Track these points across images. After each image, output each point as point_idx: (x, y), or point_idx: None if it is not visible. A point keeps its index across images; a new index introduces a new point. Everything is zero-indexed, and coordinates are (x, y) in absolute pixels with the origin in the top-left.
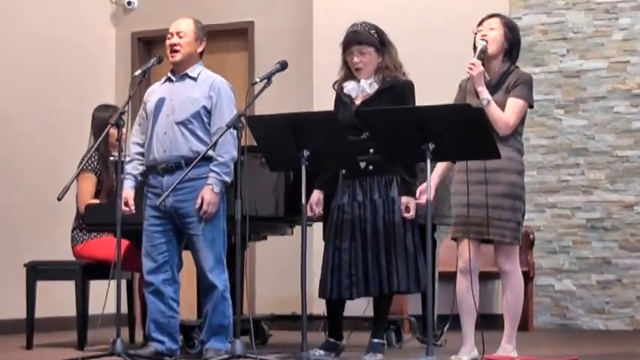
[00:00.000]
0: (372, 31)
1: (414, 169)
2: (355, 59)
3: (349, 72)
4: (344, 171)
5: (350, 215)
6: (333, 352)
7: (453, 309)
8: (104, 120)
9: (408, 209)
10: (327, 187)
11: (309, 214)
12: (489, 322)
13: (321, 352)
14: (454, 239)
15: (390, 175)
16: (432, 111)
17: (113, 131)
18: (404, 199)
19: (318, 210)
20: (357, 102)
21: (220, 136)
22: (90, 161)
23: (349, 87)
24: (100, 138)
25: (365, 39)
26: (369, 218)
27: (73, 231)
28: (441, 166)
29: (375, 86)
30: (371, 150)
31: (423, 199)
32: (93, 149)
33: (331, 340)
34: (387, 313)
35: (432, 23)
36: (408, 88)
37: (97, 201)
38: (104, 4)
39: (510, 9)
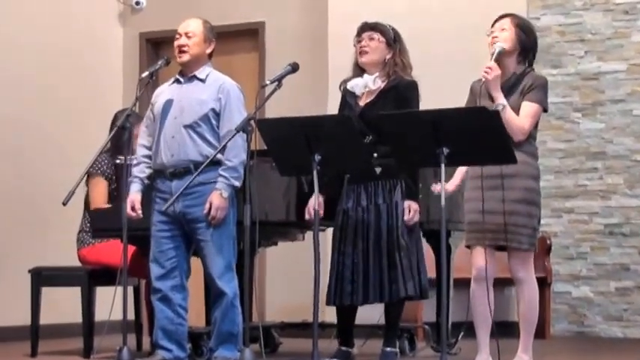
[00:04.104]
0: (388, 26)
1: (417, 175)
2: (363, 42)
3: (357, 69)
4: (348, 175)
5: (354, 220)
6: None
7: (468, 316)
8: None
9: (409, 212)
10: (329, 190)
11: (306, 217)
12: (505, 329)
13: None
14: (468, 247)
15: (395, 180)
16: (447, 114)
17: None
18: (406, 202)
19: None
20: (361, 103)
21: (229, 140)
22: (100, 165)
23: (352, 83)
24: (106, 140)
25: (378, 27)
26: (372, 223)
27: (79, 233)
28: (461, 169)
29: (379, 82)
30: (375, 154)
31: (437, 188)
32: (101, 152)
33: (343, 348)
34: (399, 320)
35: (448, 24)
36: (412, 87)
37: (109, 206)
38: (112, 4)
39: (528, 9)
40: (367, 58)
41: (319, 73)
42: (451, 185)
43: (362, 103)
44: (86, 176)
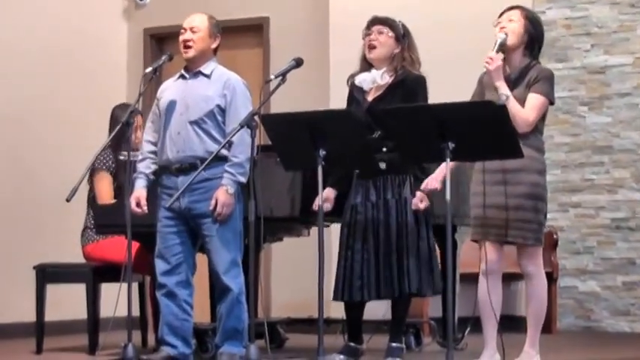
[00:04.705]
0: (397, 21)
1: (426, 167)
2: (372, 36)
3: (365, 63)
4: (357, 170)
5: (363, 216)
6: (353, 357)
7: (475, 312)
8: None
9: (422, 203)
10: (341, 185)
11: (314, 208)
12: (512, 324)
13: (342, 356)
14: (475, 241)
15: (404, 175)
16: (452, 108)
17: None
18: (418, 194)
19: (325, 206)
20: (369, 98)
21: (233, 135)
22: (104, 160)
23: (361, 78)
24: (110, 136)
25: (388, 21)
26: (382, 219)
27: (84, 230)
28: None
29: (387, 77)
30: (384, 149)
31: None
32: (103, 148)
33: (351, 344)
34: (406, 316)
35: (453, 18)
36: (420, 82)
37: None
38: (116, 0)
39: (534, 3)
40: (375, 53)
41: (324, 68)
42: (436, 182)
43: (370, 98)
44: (89, 172)
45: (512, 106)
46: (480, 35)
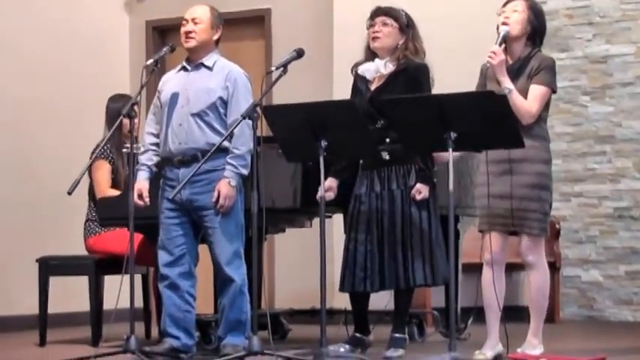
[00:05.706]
0: (402, 12)
1: (431, 157)
2: (376, 27)
3: (369, 53)
4: (362, 161)
5: (367, 206)
6: (358, 347)
7: (477, 302)
8: (118, 110)
9: (419, 194)
10: (343, 174)
11: (317, 199)
12: (515, 314)
13: (347, 346)
14: (481, 231)
15: (409, 165)
16: (454, 98)
17: (126, 122)
18: (418, 185)
19: (328, 195)
20: (372, 87)
21: (235, 127)
22: (102, 150)
23: (364, 67)
24: (112, 129)
25: (392, 12)
26: (387, 209)
27: (86, 222)
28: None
29: (390, 67)
30: (387, 139)
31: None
32: (105, 140)
33: (357, 335)
34: (408, 306)
35: (457, 9)
36: (422, 70)
37: (115, 191)
38: None
39: None
40: (380, 43)
41: (326, 59)
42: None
43: (373, 87)
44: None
45: (516, 99)
46: (481, 26)
